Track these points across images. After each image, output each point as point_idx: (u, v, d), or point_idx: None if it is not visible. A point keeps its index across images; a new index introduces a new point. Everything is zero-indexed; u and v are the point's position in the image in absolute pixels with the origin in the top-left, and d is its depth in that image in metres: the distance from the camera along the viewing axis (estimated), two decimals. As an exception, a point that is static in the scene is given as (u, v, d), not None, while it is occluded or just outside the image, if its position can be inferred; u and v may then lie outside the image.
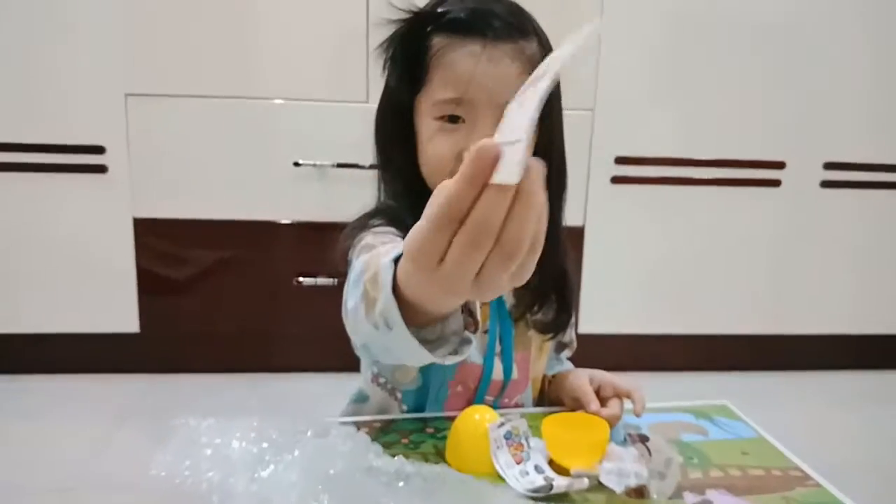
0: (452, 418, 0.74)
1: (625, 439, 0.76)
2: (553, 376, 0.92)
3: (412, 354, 0.49)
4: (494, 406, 0.82)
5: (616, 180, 1.94)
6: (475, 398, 0.83)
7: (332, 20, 1.78)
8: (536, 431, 0.71)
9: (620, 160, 1.93)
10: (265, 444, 0.60)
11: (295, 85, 1.80)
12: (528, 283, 0.77)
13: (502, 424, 0.70)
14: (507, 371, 0.82)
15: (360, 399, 0.90)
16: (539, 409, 0.88)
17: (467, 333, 0.52)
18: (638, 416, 0.80)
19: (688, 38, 1.89)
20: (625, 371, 2.05)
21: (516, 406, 0.86)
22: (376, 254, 0.56)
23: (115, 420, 1.71)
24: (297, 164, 1.82)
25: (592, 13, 1.84)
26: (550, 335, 0.87)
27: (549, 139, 0.79)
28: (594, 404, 0.79)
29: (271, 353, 1.98)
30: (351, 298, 0.57)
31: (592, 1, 1.84)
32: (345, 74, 1.78)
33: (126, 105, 1.77)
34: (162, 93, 1.78)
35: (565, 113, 1.85)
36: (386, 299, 0.47)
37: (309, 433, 0.60)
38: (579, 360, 0.98)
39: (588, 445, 0.69)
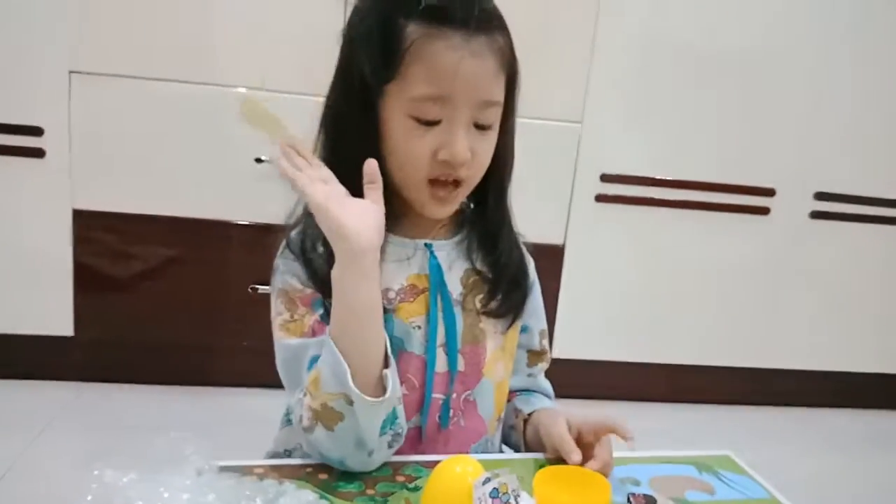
0: (429, 465, 0.69)
1: (629, 500, 0.70)
2: (529, 415, 0.86)
3: (371, 421, 0.68)
4: (446, 404, 0.80)
5: (600, 199, 1.89)
6: (424, 397, 0.79)
7: (309, 7, 1.69)
8: (526, 485, 0.64)
9: (606, 178, 1.89)
10: (200, 513, 0.48)
11: (264, 74, 1.70)
12: (477, 270, 0.83)
13: (488, 480, 0.61)
14: (453, 362, 0.80)
15: (291, 422, 0.84)
16: (524, 455, 0.82)
17: (385, 372, 0.68)
18: (629, 444, 0.74)
19: (682, 60, 1.87)
20: (600, 400, 1.98)
21: (466, 402, 0.82)
22: (301, 401, 0.70)
23: (34, 433, 1.58)
24: (259, 161, 1.73)
25: (585, 32, 1.80)
26: (505, 322, 0.84)
27: (505, 135, 0.79)
28: (575, 455, 0.73)
29: (218, 366, 1.88)
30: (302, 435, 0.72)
31: (586, 19, 1.80)
32: (317, 66, 1.64)
33: (70, 83, 1.67)
34: (111, 72, 1.67)
35: (552, 123, 1.77)
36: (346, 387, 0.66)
37: (257, 501, 0.47)
38: (555, 386, 0.94)
39: (587, 508, 0.64)
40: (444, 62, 0.70)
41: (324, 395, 0.67)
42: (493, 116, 0.75)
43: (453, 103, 0.71)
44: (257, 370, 1.75)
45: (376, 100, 0.73)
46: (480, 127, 0.73)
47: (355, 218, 0.66)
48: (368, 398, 0.66)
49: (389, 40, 0.71)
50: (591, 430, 0.75)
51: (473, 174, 0.76)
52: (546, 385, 0.93)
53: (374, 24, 0.72)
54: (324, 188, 0.68)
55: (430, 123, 0.72)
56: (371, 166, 0.69)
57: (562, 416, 0.78)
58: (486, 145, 0.75)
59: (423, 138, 0.72)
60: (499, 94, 0.74)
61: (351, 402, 0.65)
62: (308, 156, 0.71)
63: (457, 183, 0.75)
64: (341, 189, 0.69)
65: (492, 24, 0.73)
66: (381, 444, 0.69)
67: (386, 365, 0.69)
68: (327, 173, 0.70)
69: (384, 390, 0.68)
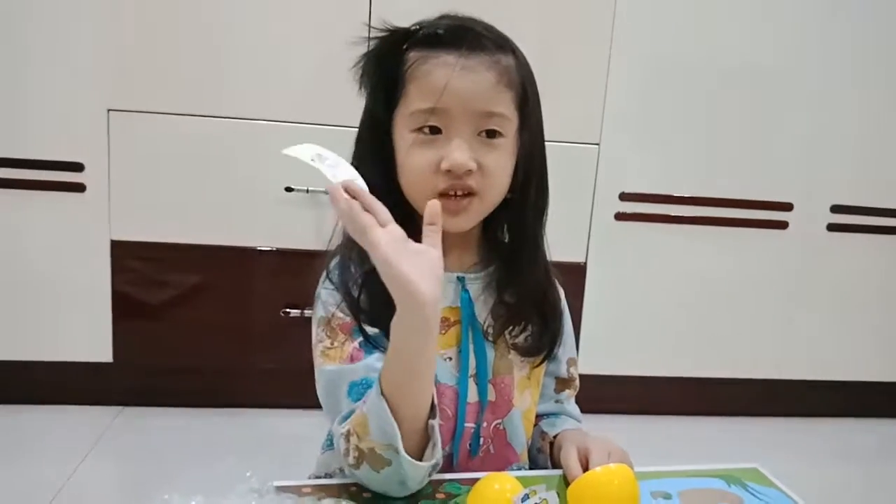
0: (467, 482, 0.69)
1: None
2: (555, 437, 0.88)
3: (417, 472, 0.68)
4: (476, 433, 0.80)
5: (620, 217, 1.90)
6: (456, 426, 0.79)
7: (333, 41, 1.70)
8: (563, 500, 0.66)
9: (625, 196, 1.90)
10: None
11: (291, 107, 1.74)
12: (505, 302, 0.83)
13: (527, 497, 0.62)
14: (483, 393, 0.80)
15: (333, 446, 0.85)
16: (559, 472, 0.80)
17: (431, 422, 0.68)
18: None
19: (695, 79, 1.88)
20: (625, 415, 2.00)
21: (496, 430, 0.83)
22: (344, 435, 0.70)
23: (78, 458, 1.60)
24: (289, 190, 1.76)
25: (599, 55, 1.82)
26: (533, 360, 0.85)
27: (527, 158, 0.79)
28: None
29: (253, 388, 1.90)
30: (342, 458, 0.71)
31: (600, 42, 1.82)
32: (345, 99, 1.70)
33: (108, 120, 1.70)
34: (147, 109, 1.70)
35: (570, 145, 1.81)
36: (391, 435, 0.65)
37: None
38: (580, 402, 0.96)
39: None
40: (435, 76, 0.72)
41: (372, 441, 0.67)
42: (499, 126, 0.74)
43: (449, 115, 0.72)
44: (291, 392, 1.81)
45: (390, 128, 0.77)
46: (487, 136, 0.74)
47: (418, 269, 0.61)
48: (418, 463, 0.66)
49: (391, 70, 0.75)
50: (605, 453, 0.75)
51: (486, 187, 0.74)
52: (574, 410, 0.94)
53: (377, 59, 0.77)
54: (385, 236, 0.62)
55: (433, 131, 0.73)
56: (434, 207, 0.65)
57: (573, 444, 0.78)
58: (496, 157, 0.75)
59: (425, 151, 0.73)
60: (501, 107, 0.74)
61: (398, 452, 0.65)
62: (368, 199, 0.64)
63: (469, 195, 0.74)
64: (401, 233, 0.63)
65: (491, 46, 0.75)
66: (423, 481, 0.71)
67: (433, 415, 0.69)
68: (385, 214, 0.64)
69: (428, 438, 0.68)
